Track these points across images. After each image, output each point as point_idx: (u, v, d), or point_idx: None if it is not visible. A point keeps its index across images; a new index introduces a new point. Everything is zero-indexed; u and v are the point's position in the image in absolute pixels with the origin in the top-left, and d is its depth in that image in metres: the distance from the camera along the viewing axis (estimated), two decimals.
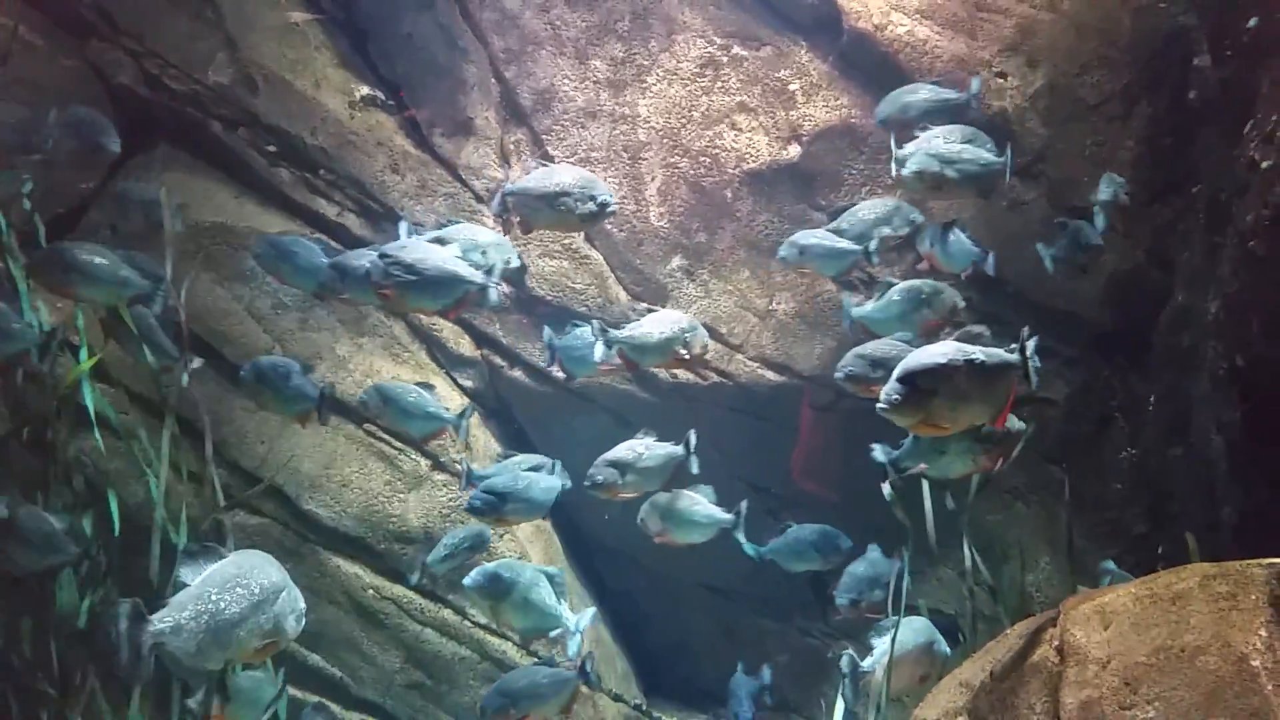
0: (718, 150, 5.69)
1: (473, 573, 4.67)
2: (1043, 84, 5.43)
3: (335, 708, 5.57)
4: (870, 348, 4.49)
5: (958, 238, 4.88)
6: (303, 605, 3.69)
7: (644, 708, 6.10)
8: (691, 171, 5.66)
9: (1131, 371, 5.37)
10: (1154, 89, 5.38)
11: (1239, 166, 4.13)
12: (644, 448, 4.84)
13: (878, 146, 5.54)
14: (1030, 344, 3.57)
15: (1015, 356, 3.57)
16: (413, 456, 5.77)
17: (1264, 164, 3.89)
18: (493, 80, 5.89)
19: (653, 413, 5.89)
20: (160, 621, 3.28)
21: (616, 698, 6.00)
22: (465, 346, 6.00)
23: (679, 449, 4.89)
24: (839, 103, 5.63)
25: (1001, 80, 5.46)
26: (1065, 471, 5.09)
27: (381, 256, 4.32)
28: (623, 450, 4.81)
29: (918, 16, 5.50)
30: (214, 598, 3.38)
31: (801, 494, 5.47)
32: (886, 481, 4.60)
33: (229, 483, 5.30)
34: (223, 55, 5.76)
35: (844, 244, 4.93)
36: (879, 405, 3.49)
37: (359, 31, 6.03)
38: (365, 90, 5.90)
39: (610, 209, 4.63)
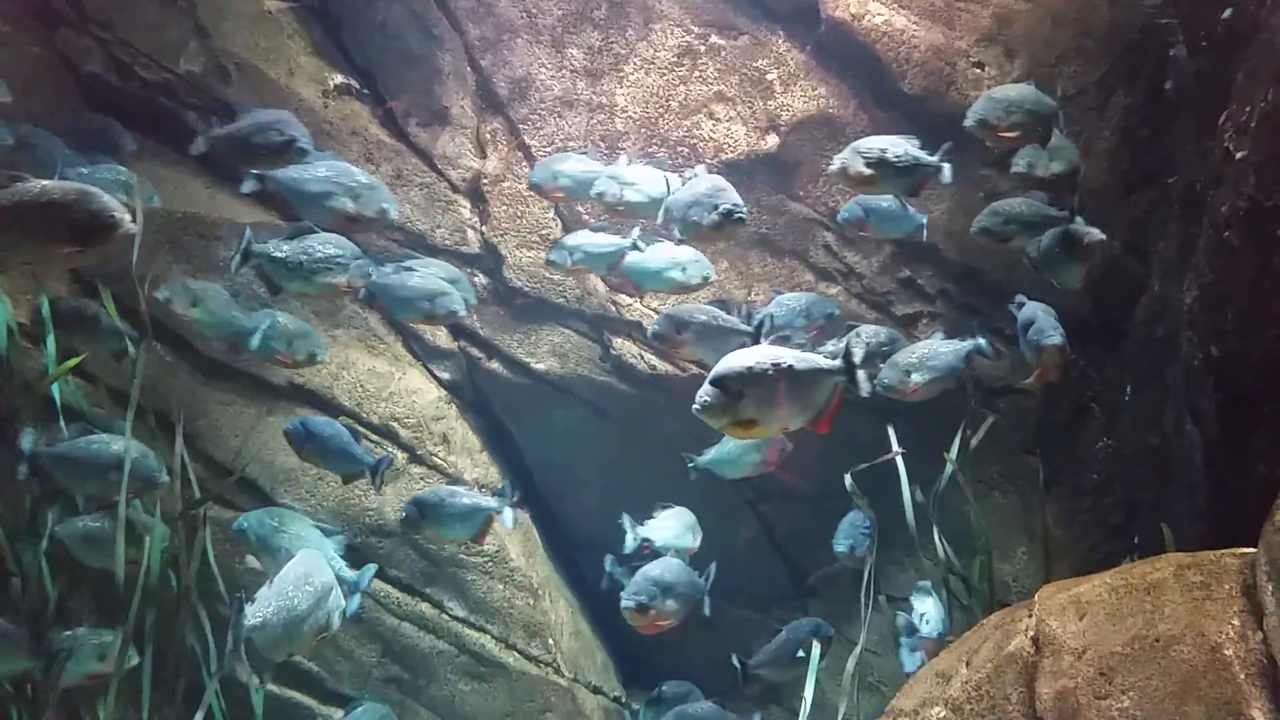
0: (695, 140, 5.66)
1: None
2: (1020, 74, 5.43)
3: (311, 702, 5.54)
4: (682, 310, 4.73)
5: (891, 204, 4.95)
6: (344, 601, 4.13)
7: (623, 699, 6.10)
8: (669, 161, 5.63)
9: (1108, 361, 5.39)
10: (1130, 79, 5.39)
11: (1214, 157, 4.14)
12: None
13: (855, 136, 5.51)
14: (858, 351, 3.70)
15: (834, 363, 3.67)
16: (389, 449, 5.73)
17: (1238, 155, 3.90)
18: (468, 69, 5.83)
19: (630, 404, 5.88)
20: (253, 617, 3.71)
21: (595, 689, 6.00)
22: (442, 338, 5.96)
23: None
24: (817, 92, 5.61)
25: (979, 70, 5.45)
26: (1041, 461, 5.13)
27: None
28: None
29: (895, 6, 5.48)
30: (290, 594, 3.82)
31: (779, 485, 5.46)
32: (849, 474, 4.65)
33: (203, 476, 5.25)
34: (194, 43, 5.68)
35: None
36: (693, 406, 3.59)
37: (332, 19, 5.96)
38: (339, 79, 5.84)
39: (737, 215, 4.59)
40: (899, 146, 4.56)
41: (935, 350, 4.88)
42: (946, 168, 4.60)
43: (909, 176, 4.60)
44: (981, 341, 4.90)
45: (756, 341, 4.37)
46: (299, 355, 4.90)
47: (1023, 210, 4.88)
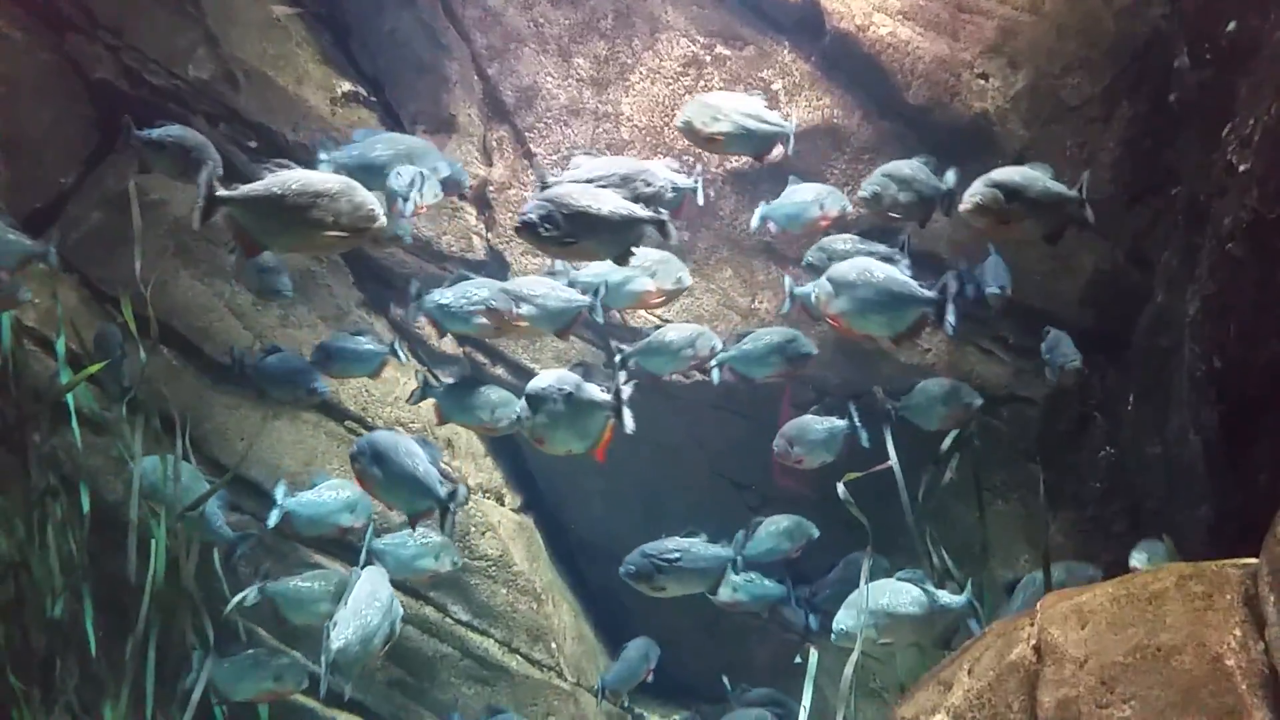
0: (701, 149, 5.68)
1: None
2: (1024, 85, 5.46)
3: (316, 705, 5.55)
4: (520, 283, 4.68)
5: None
6: (400, 610, 4.44)
7: (625, 704, 6.11)
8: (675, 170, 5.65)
9: (1111, 371, 5.41)
10: (1135, 91, 5.42)
11: (1217, 169, 4.16)
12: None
13: (859, 147, 5.56)
14: (627, 389, 4.14)
15: (605, 397, 4.16)
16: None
17: (1241, 167, 3.92)
18: (475, 77, 5.87)
19: (635, 410, 5.88)
20: (338, 640, 4.03)
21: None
22: (447, 344, 5.98)
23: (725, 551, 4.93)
24: (821, 103, 5.64)
25: (983, 82, 5.48)
26: (1044, 470, 5.15)
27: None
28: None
29: (900, 17, 5.51)
30: (364, 613, 4.13)
31: (781, 491, 5.48)
32: (841, 482, 4.69)
33: (210, 480, 5.27)
34: (203, 50, 5.72)
35: None
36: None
37: (341, 27, 6.00)
38: (347, 86, 5.87)
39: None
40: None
41: (809, 427, 5.14)
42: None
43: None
44: (856, 424, 5.09)
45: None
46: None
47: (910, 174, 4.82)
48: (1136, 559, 4.31)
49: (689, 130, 4.59)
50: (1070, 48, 5.44)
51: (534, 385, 4.21)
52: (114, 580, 5.01)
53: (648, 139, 5.72)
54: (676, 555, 4.73)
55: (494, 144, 5.88)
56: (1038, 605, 3.60)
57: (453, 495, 4.36)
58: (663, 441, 5.69)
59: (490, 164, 5.88)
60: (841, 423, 5.11)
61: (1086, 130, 5.45)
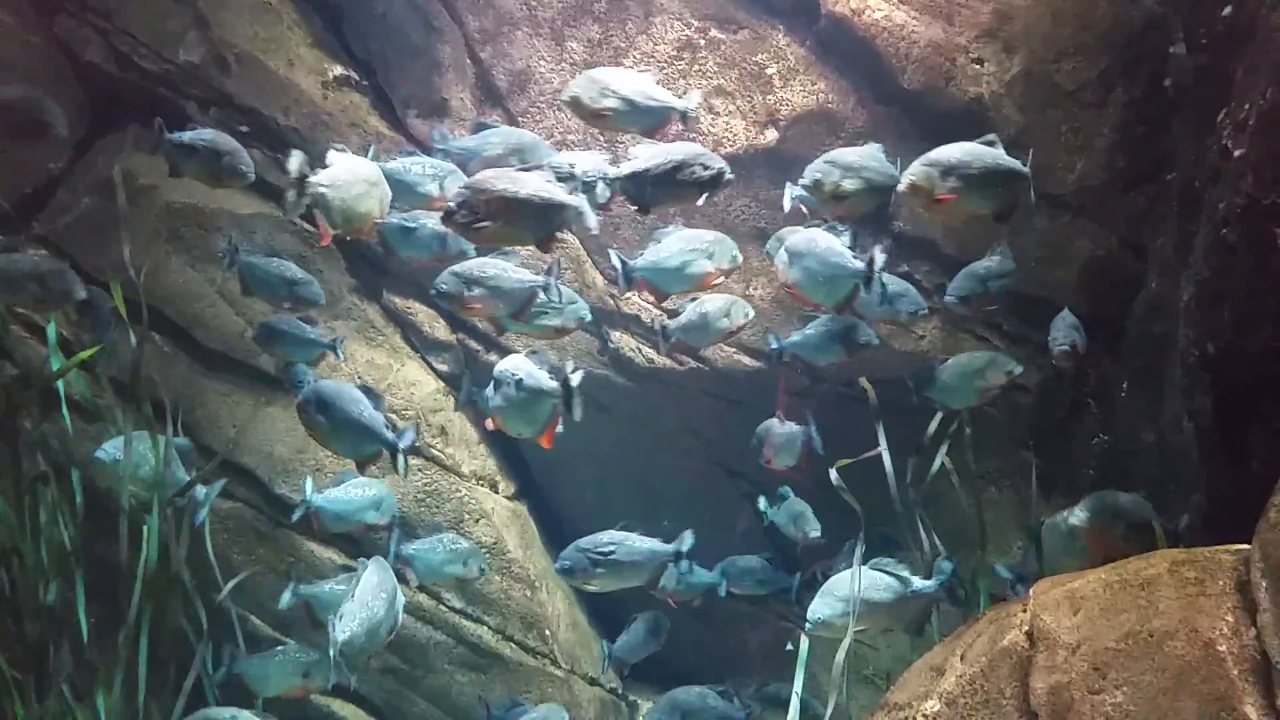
0: (694, 134, 5.65)
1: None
2: (1019, 70, 5.43)
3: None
4: (472, 265, 4.62)
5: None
6: (403, 600, 4.46)
7: (619, 691, 6.12)
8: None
9: (1105, 358, 5.40)
10: (1130, 76, 5.39)
11: (1212, 154, 4.14)
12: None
13: (854, 132, 5.53)
14: (576, 377, 4.21)
15: (552, 385, 4.24)
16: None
17: (1236, 152, 3.90)
18: (468, 61, 5.83)
19: (628, 397, 5.89)
20: (342, 632, 4.07)
21: (592, 681, 6.02)
22: (440, 330, 5.97)
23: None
24: (816, 87, 5.61)
25: (978, 66, 5.45)
26: (1037, 457, 5.15)
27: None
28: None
29: (895, 1, 5.47)
30: (370, 605, 4.17)
31: (776, 478, 5.47)
32: (834, 468, 4.68)
33: (201, 466, 5.26)
34: (194, 34, 5.68)
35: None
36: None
37: (332, 10, 5.95)
38: (339, 70, 5.84)
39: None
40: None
41: (773, 429, 5.25)
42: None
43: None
44: (812, 433, 5.20)
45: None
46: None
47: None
48: (1077, 517, 4.32)
49: (576, 105, 4.56)
50: (1066, 32, 5.41)
51: (496, 368, 4.37)
52: (107, 565, 5.00)
53: None
54: (611, 549, 4.72)
55: None
56: (1030, 590, 3.61)
57: (401, 437, 4.42)
58: (657, 429, 5.69)
59: None
60: (799, 428, 5.21)
61: (1081, 115, 5.42)
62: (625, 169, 4.38)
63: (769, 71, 5.65)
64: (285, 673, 5.05)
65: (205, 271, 5.69)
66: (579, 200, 4.09)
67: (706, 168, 4.41)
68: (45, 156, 5.62)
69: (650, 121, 4.63)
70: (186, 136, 4.77)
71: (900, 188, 4.28)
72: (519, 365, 4.31)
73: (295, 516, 5.00)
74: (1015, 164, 4.30)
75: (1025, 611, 3.47)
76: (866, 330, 5.04)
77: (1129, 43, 5.35)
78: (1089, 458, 5.38)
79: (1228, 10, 4.27)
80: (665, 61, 5.70)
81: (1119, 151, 5.40)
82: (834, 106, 5.60)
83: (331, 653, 4.08)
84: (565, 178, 4.27)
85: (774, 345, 5.12)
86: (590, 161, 4.59)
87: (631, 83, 4.57)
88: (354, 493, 5.04)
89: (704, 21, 5.69)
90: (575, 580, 4.79)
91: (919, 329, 5.57)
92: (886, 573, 4.54)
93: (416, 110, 5.85)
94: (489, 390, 4.36)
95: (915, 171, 4.21)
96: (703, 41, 5.69)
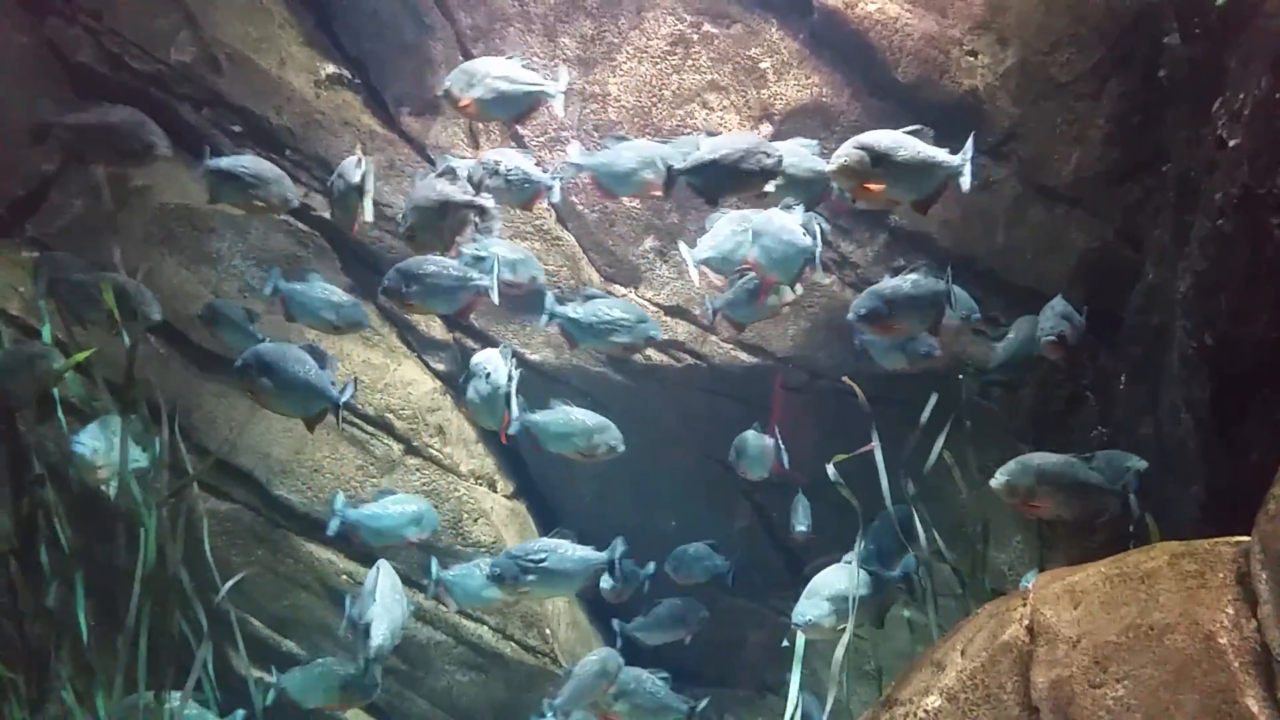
0: (689, 129, 5.63)
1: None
2: (1013, 62, 5.42)
3: None
4: (412, 263, 4.67)
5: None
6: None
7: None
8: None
9: (1102, 349, 5.40)
10: (1124, 67, 5.38)
11: (1207, 145, 4.14)
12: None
13: (849, 126, 5.51)
14: (514, 376, 4.52)
15: (507, 386, 4.46)
16: (385, 441, 5.74)
17: (1231, 143, 3.90)
18: (460, 58, 5.78)
19: (626, 395, 5.87)
20: (378, 637, 4.29)
21: None
22: (436, 330, 5.95)
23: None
24: (810, 81, 5.59)
25: (972, 58, 5.44)
26: (1036, 450, 5.13)
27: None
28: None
29: None
30: (391, 608, 4.36)
31: (774, 475, 5.46)
32: (831, 463, 4.69)
33: (197, 468, 5.24)
34: (185, 33, 5.65)
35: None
36: None
37: (324, 9, 5.92)
38: (331, 69, 5.81)
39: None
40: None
41: (747, 441, 5.34)
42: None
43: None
44: (781, 446, 5.33)
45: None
46: None
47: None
48: (996, 479, 4.38)
49: (449, 98, 4.65)
50: (1060, 24, 5.40)
51: (472, 361, 4.54)
52: (105, 566, 4.99)
53: (635, 119, 5.68)
54: (542, 557, 4.73)
55: (480, 126, 5.82)
56: (1030, 584, 3.60)
57: (344, 392, 4.45)
58: (655, 426, 5.68)
59: (477, 147, 5.82)
60: (770, 441, 5.28)
61: (1076, 107, 5.42)
62: (691, 161, 4.43)
63: (763, 66, 5.63)
64: (324, 688, 5.04)
65: (200, 272, 5.67)
66: (476, 200, 4.25)
67: (769, 155, 4.46)
68: (37, 159, 5.59)
69: (520, 107, 4.70)
70: (225, 163, 4.77)
71: (830, 167, 4.28)
72: (490, 359, 4.43)
73: (330, 531, 4.94)
74: (944, 155, 4.27)
75: (1025, 605, 3.47)
76: (928, 340, 5.07)
77: (1123, 33, 5.35)
78: (1087, 450, 5.37)
79: (1221, 1, 4.26)
80: (659, 57, 5.68)
81: (1114, 143, 5.39)
82: (828, 100, 5.59)
83: (366, 657, 4.27)
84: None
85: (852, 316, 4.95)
86: (515, 159, 4.76)
87: (498, 69, 4.61)
88: (394, 508, 5.02)
89: (697, 16, 5.68)
90: (506, 588, 4.78)
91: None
92: (865, 570, 4.58)
93: (409, 108, 5.83)
94: (463, 381, 4.52)
95: (847, 154, 4.21)
96: (696, 36, 5.67)
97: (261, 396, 4.45)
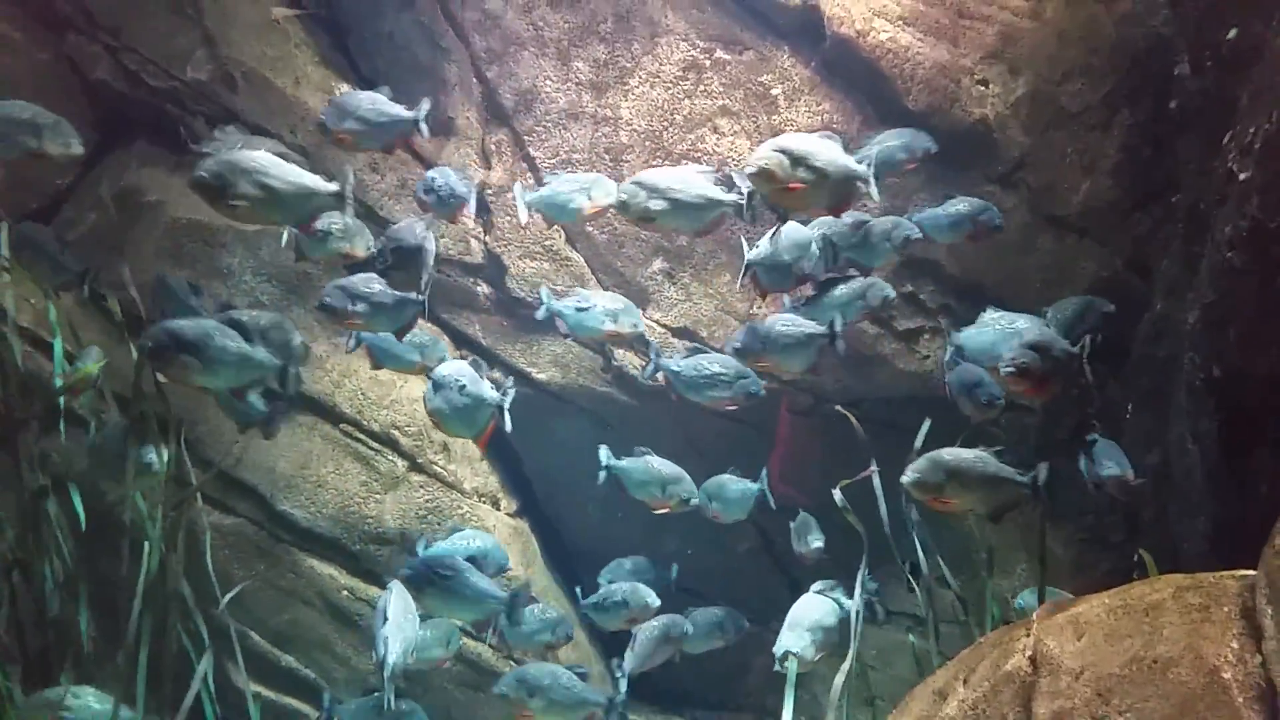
0: (700, 154, 5.68)
1: None
2: (1024, 92, 5.44)
3: (307, 708, 5.53)
4: (356, 280, 4.67)
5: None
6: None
7: (621, 712, 6.06)
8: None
9: (1109, 379, 5.38)
10: (1135, 98, 5.40)
11: (1218, 177, 4.14)
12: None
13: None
14: (510, 393, 4.49)
15: (493, 395, 4.47)
16: (389, 457, 5.75)
17: (1242, 175, 3.90)
18: (474, 80, 5.85)
19: (632, 415, 5.88)
20: (393, 654, 4.24)
21: None
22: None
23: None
24: (821, 108, 5.62)
25: (983, 88, 5.46)
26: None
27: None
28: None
29: (900, 23, 5.49)
30: (402, 626, 4.31)
31: (779, 498, 5.45)
32: (837, 488, 4.67)
33: (201, 481, 5.25)
34: (201, 52, 5.71)
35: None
36: None
37: (339, 29, 5.99)
38: (346, 88, 5.85)
39: None
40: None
41: (725, 486, 5.36)
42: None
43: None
44: (765, 489, 5.35)
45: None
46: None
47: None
48: (907, 475, 4.29)
49: (322, 129, 4.79)
50: (1071, 54, 5.42)
51: (437, 372, 4.51)
52: (109, 579, 4.99)
53: (647, 143, 5.71)
54: (450, 575, 4.70)
55: (492, 147, 5.87)
56: (1034, 614, 3.58)
57: (289, 353, 4.47)
58: (659, 447, 5.67)
59: (489, 167, 5.86)
60: (754, 486, 5.30)
61: (1087, 137, 5.43)
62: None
63: (774, 92, 5.66)
64: None
65: (210, 287, 5.69)
66: (334, 187, 4.18)
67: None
68: (51, 173, 5.65)
69: (386, 136, 4.81)
70: (320, 224, 4.71)
71: (749, 170, 4.28)
72: (463, 371, 4.46)
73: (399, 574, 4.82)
74: (855, 164, 4.31)
75: (1028, 636, 3.44)
76: (995, 213, 5.03)
77: (1134, 65, 5.36)
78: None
79: (1232, 33, 4.28)
80: (671, 81, 5.72)
81: (1124, 173, 5.40)
82: (839, 127, 5.60)
83: (385, 675, 4.24)
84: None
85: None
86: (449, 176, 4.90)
87: (364, 102, 4.73)
88: (459, 544, 5.04)
89: (709, 42, 5.71)
90: (412, 592, 4.66)
91: (922, 348, 5.56)
92: (830, 598, 4.61)
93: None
94: (428, 389, 4.48)
95: (766, 156, 4.21)
96: (708, 62, 5.71)
97: (186, 375, 4.20)
